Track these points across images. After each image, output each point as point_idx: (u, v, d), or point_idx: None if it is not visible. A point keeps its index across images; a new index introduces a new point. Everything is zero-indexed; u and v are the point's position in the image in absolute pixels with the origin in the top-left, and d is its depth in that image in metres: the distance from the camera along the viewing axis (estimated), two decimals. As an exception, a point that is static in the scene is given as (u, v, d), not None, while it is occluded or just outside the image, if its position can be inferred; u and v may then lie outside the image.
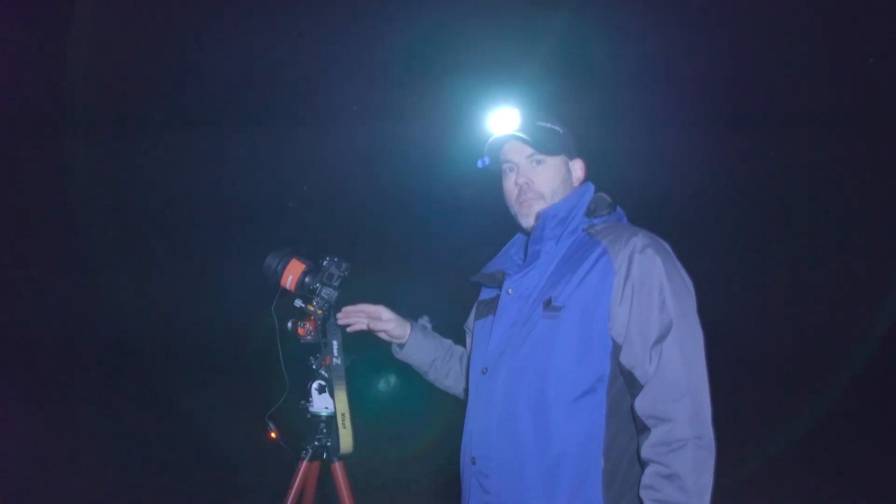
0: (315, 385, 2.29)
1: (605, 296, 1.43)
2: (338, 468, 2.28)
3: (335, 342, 2.10)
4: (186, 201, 18.13)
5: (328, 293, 2.04)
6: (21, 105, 15.47)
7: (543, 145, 1.59)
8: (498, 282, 1.63)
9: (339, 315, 1.94)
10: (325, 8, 16.84)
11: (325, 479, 2.37)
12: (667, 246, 1.54)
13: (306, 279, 2.07)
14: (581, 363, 1.43)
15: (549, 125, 1.63)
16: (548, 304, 1.47)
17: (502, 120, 1.64)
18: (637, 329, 1.41)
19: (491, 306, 1.64)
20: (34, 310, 16.73)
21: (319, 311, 2.09)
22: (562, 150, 1.63)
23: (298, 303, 2.27)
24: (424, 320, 2.06)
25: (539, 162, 1.62)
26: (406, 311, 2.10)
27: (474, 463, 1.54)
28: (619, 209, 1.66)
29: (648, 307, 1.41)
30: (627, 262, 1.44)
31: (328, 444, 2.29)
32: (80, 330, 16.16)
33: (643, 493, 1.35)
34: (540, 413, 1.42)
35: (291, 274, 2.09)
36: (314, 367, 2.28)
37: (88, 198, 17.92)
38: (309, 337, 2.25)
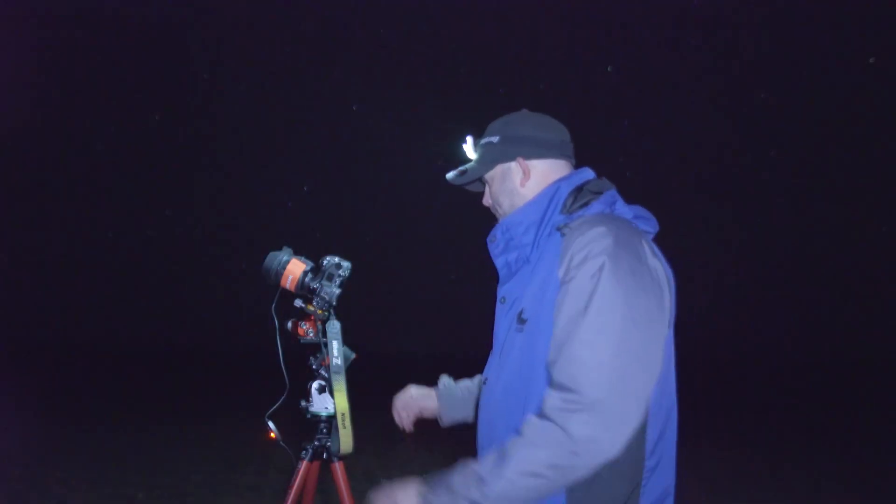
0: (315, 385, 2.28)
1: (552, 304, 1.32)
2: (338, 468, 2.27)
3: (335, 342, 2.09)
4: (186, 201, 18.14)
5: (329, 293, 2.03)
6: (19, 108, 15.51)
7: (470, 174, 1.58)
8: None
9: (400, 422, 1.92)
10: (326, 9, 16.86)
11: (325, 479, 2.36)
12: (624, 242, 1.31)
13: (306, 279, 2.06)
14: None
15: (487, 139, 1.60)
16: (519, 317, 1.41)
17: (466, 151, 1.68)
18: (559, 331, 1.29)
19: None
20: (34, 310, 16.74)
21: (320, 311, 2.08)
22: (495, 162, 1.56)
23: (298, 303, 2.27)
24: (444, 380, 2.02)
25: (484, 183, 1.61)
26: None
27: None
28: (608, 195, 1.49)
29: (574, 312, 1.26)
30: (568, 258, 1.31)
31: (328, 444, 2.28)
32: (81, 330, 16.18)
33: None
34: (516, 424, 1.33)
35: (291, 274, 2.08)
36: (314, 367, 2.27)
37: (88, 198, 17.93)
38: (309, 337, 2.25)
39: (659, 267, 1.37)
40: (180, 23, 17.09)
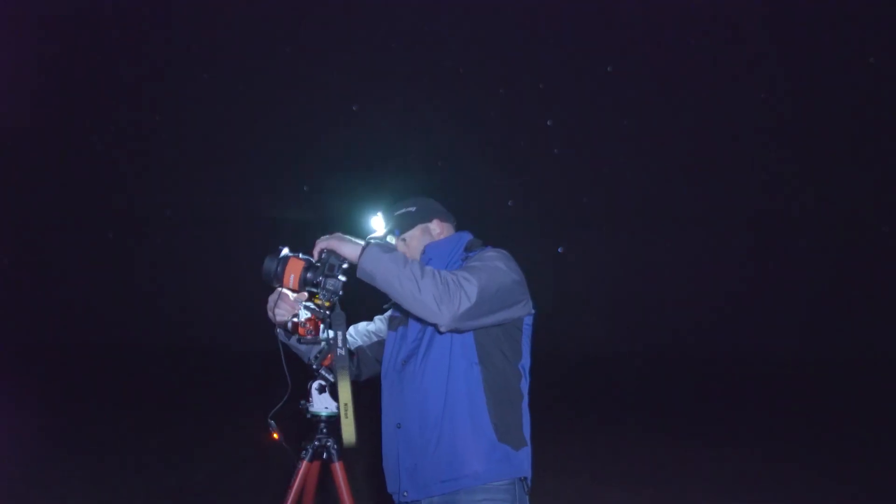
0: (315, 385, 2.28)
1: None
2: (338, 468, 2.28)
3: (340, 332, 2.10)
4: (186, 201, 18.14)
5: (333, 284, 2.06)
6: (19, 108, 15.51)
7: (394, 232, 2.25)
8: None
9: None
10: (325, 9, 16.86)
11: (325, 479, 2.36)
12: (504, 251, 2.07)
13: (308, 275, 2.09)
14: (459, 341, 2.04)
15: (403, 210, 2.27)
16: None
17: (374, 223, 2.35)
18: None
19: (402, 321, 2.23)
20: (34, 310, 16.74)
21: (327, 304, 2.10)
22: (414, 223, 2.25)
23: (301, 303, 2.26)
24: (377, 240, 2.35)
25: (404, 240, 2.26)
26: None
27: (399, 427, 2.13)
28: (488, 247, 2.14)
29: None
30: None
31: (328, 443, 2.28)
32: (81, 330, 16.18)
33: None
34: (441, 383, 2.05)
35: (292, 273, 2.09)
36: (314, 366, 2.27)
37: (87, 198, 17.94)
38: (309, 336, 2.25)
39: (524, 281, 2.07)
40: (180, 23, 17.09)
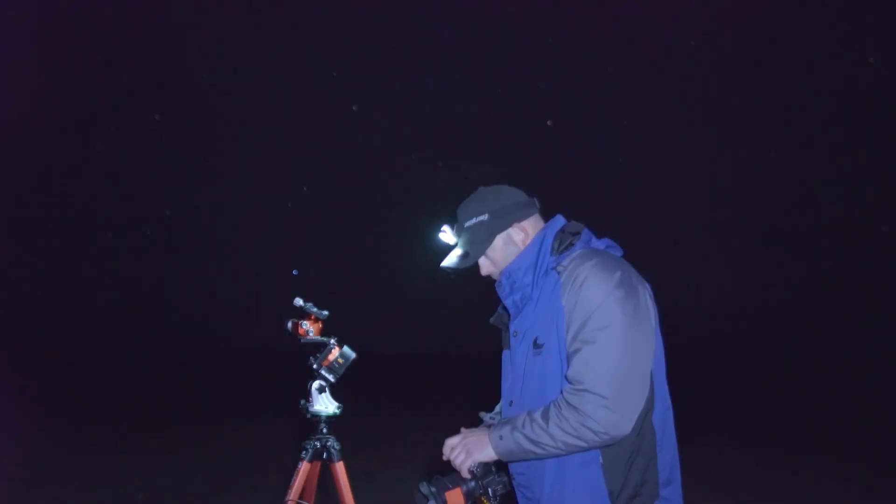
0: (315, 385, 2.28)
1: (562, 325, 1.71)
2: (338, 468, 2.28)
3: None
4: (186, 201, 18.14)
5: (495, 483, 1.84)
6: (19, 108, 15.51)
7: (472, 255, 1.88)
8: (504, 323, 1.96)
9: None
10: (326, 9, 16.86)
11: (325, 479, 2.37)
12: (608, 266, 1.71)
13: (469, 491, 1.84)
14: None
15: (475, 220, 1.90)
16: (535, 343, 1.78)
17: (443, 239, 1.97)
18: (571, 342, 1.69)
19: (506, 341, 1.95)
20: (34, 310, 16.74)
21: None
22: (492, 235, 1.88)
23: (298, 302, 2.27)
24: (486, 417, 2.02)
25: (487, 257, 1.91)
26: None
27: (513, 476, 1.88)
28: (584, 234, 1.85)
29: (580, 326, 1.66)
30: (570, 297, 1.69)
31: (328, 443, 2.29)
32: (81, 330, 16.18)
33: (542, 410, 1.70)
34: None
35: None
36: (314, 366, 2.27)
37: (88, 197, 17.94)
38: (309, 336, 2.25)
39: (638, 280, 1.76)
40: (180, 22, 17.09)
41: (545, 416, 1.66)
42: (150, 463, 5.84)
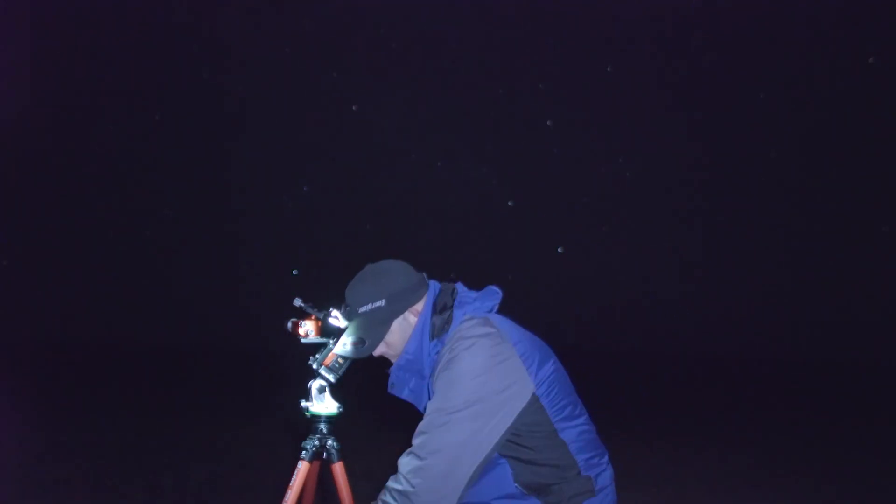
0: (315, 385, 2.28)
1: None
2: (338, 468, 2.28)
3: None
4: (186, 201, 18.14)
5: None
6: (18, 107, 15.51)
7: (371, 343, 1.89)
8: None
9: None
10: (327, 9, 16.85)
11: (326, 479, 2.37)
12: (472, 332, 1.74)
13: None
14: None
15: (371, 306, 1.87)
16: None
17: (335, 324, 1.95)
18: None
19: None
20: (34, 309, 16.74)
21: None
22: (390, 320, 1.88)
23: (298, 302, 2.27)
24: None
25: (385, 343, 1.93)
26: None
27: None
28: (457, 303, 1.84)
29: (430, 409, 1.77)
30: (438, 380, 1.76)
31: (328, 443, 2.29)
32: (81, 330, 16.18)
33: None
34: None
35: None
36: (314, 367, 2.27)
37: (88, 197, 17.94)
38: (309, 337, 2.25)
39: (512, 350, 1.74)
40: (180, 22, 17.09)
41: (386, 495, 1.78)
42: (150, 463, 5.84)
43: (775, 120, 17.05)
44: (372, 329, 1.88)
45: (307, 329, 2.26)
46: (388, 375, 2.04)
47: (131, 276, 17.69)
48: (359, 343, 1.91)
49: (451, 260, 15.79)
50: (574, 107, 17.16)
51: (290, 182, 17.84)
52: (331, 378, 2.28)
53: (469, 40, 17.16)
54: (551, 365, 1.82)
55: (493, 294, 1.88)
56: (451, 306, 1.84)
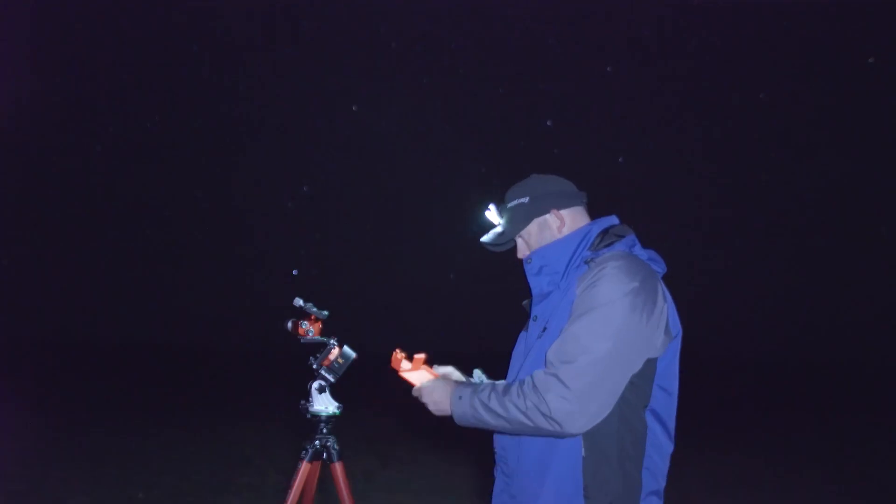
0: (315, 385, 2.28)
1: (566, 314, 1.70)
2: (338, 468, 2.27)
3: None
4: (186, 201, 18.14)
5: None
6: (19, 108, 15.51)
7: (507, 233, 1.92)
8: (530, 307, 1.96)
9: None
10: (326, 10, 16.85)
11: (326, 479, 2.37)
12: (632, 271, 1.66)
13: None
14: None
15: (516, 202, 1.93)
16: (544, 328, 1.79)
17: (488, 217, 2.01)
18: (566, 327, 1.67)
19: (526, 325, 1.95)
20: (34, 309, 16.74)
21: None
22: (529, 218, 1.89)
23: (298, 302, 2.27)
24: (478, 374, 2.01)
25: (521, 237, 1.94)
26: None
27: (496, 454, 1.92)
28: (628, 238, 1.82)
29: (578, 315, 1.65)
30: (583, 287, 1.68)
31: (328, 443, 2.28)
32: (81, 329, 16.18)
33: (506, 387, 1.70)
34: None
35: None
36: (314, 366, 2.27)
37: (88, 197, 17.94)
38: (309, 336, 2.25)
39: (661, 294, 1.69)
40: (180, 24, 17.09)
41: (507, 389, 1.67)
42: (150, 463, 5.84)
43: (774, 120, 17.05)
44: (512, 223, 1.92)
45: (307, 329, 2.26)
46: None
47: (131, 276, 17.70)
48: (499, 233, 1.95)
49: (451, 260, 15.81)
50: (574, 107, 17.16)
51: (291, 182, 17.85)
52: (330, 378, 2.28)
53: (469, 41, 17.17)
54: (676, 350, 1.75)
55: (661, 263, 1.85)
56: (623, 236, 1.83)
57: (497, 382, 1.79)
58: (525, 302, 2.00)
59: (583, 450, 1.66)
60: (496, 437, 1.89)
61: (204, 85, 17.73)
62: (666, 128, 17.26)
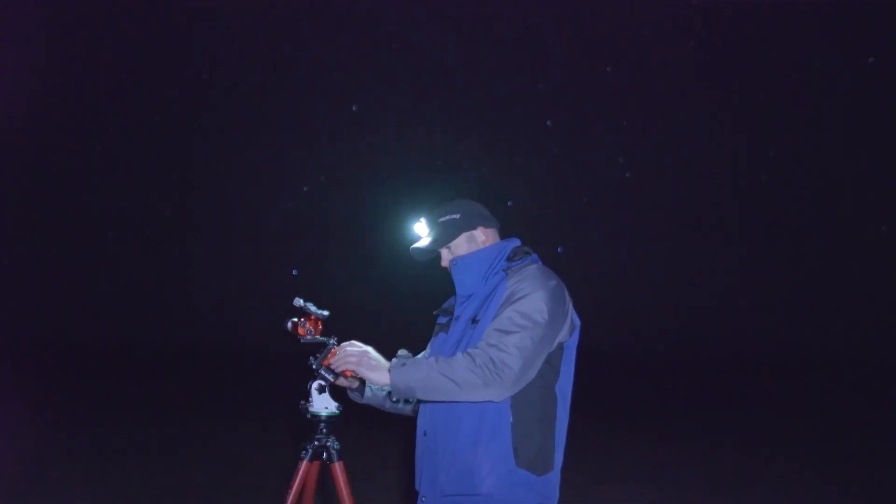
0: (315, 385, 2.28)
1: (495, 308, 2.01)
2: (338, 468, 2.27)
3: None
4: (186, 202, 18.15)
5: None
6: (18, 107, 15.52)
7: (439, 242, 2.21)
8: (450, 312, 2.26)
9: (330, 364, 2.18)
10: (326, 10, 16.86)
11: (325, 479, 2.37)
12: (548, 270, 2.07)
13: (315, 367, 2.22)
14: None
15: (448, 217, 2.23)
16: (473, 320, 2.08)
17: (417, 229, 2.34)
18: (500, 311, 1.98)
19: (443, 327, 2.25)
20: (34, 309, 16.75)
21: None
22: (459, 231, 2.21)
23: (298, 302, 2.27)
24: (402, 354, 2.15)
25: (448, 248, 2.23)
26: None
27: (426, 434, 2.12)
28: (533, 256, 2.19)
29: (513, 301, 1.97)
30: (514, 281, 2.03)
31: (328, 443, 2.28)
32: (81, 329, 16.19)
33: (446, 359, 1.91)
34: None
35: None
36: (314, 367, 2.27)
37: (88, 198, 17.94)
38: (309, 336, 2.25)
39: (568, 297, 2.05)
40: (180, 22, 17.09)
41: (453, 357, 1.90)
42: (150, 463, 5.84)
43: (774, 120, 17.06)
44: (443, 235, 2.22)
45: (307, 329, 2.26)
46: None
47: (131, 276, 17.70)
48: (430, 243, 2.23)
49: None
50: (574, 107, 17.16)
51: (291, 182, 17.86)
52: (330, 378, 2.27)
53: (469, 41, 17.17)
54: (576, 340, 2.12)
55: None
56: (529, 253, 2.20)
57: (432, 357, 1.97)
58: (436, 311, 2.36)
59: (510, 417, 1.96)
60: (427, 422, 2.11)
61: (203, 85, 17.73)
62: (666, 128, 17.27)
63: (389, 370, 1.95)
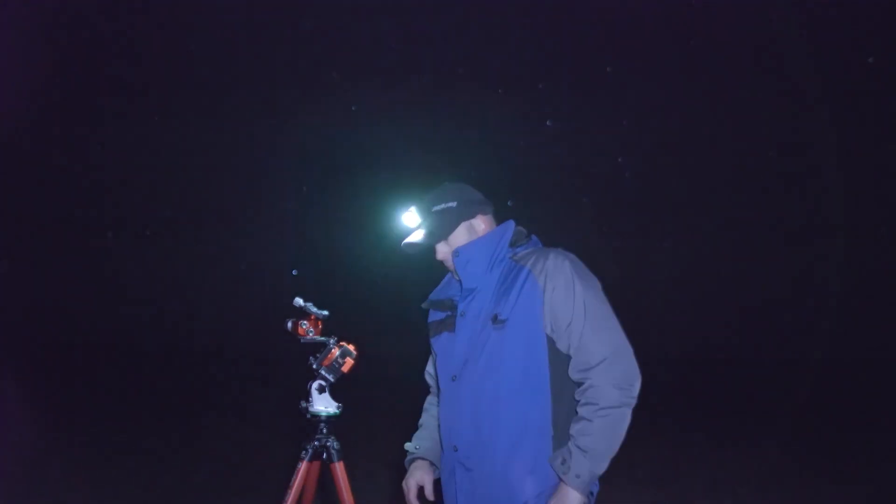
0: (315, 385, 2.28)
1: (537, 305, 1.87)
2: (338, 468, 2.28)
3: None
4: (186, 202, 18.15)
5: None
6: (19, 104, 15.51)
7: (437, 235, 2.03)
8: (448, 307, 2.06)
9: None
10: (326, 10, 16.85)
11: (325, 479, 2.37)
12: (571, 255, 1.97)
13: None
14: (527, 359, 1.89)
15: (443, 206, 2.04)
16: (495, 319, 1.90)
17: (406, 220, 2.11)
18: (560, 320, 1.87)
19: (445, 325, 2.05)
20: (34, 309, 16.74)
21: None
22: (458, 221, 2.03)
23: (298, 302, 2.27)
24: (412, 445, 2.19)
25: (446, 240, 2.05)
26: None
27: (456, 450, 1.97)
28: (533, 238, 2.11)
29: (564, 300, 1.87)
30: (545, 276, 1.89)
31: (328, 443, 2.29)
32: (81, 330, 16.18)
33: (572, 431, 1.82)
34: (502, 403, 1.89)
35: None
36: (314, 366, 2.27)
37: (88, 199, 17.94)
38: (309, 336, 2.25)
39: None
40: (180, 23, 17.09)
41: (585, 422, 1.80)
42: (150, 463, 5.84)
43: (774, 119, 17.05)
44: (441, 226, 2.03)
45: (307, 329, 2.26)
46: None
47: (131, 277, 17.69)
48: (427, 235, 2.04)
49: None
50: (574, 107, 17.16)
51: (291, 182, 17.85)
52: (330, 378, 2.28)
53: (469, 41, 17.17)
54: None
55: None
56: (529, 236, 2.12)
57: (562, 451, 1.84)
58: (425, 305, 2.15)
59: (552, 430, 1.87)
60: (457, 435, 1.97)
61: (203, 85, 17.73)
62: (666, 128, 17.26)
63: (574, 489, 1.79)
